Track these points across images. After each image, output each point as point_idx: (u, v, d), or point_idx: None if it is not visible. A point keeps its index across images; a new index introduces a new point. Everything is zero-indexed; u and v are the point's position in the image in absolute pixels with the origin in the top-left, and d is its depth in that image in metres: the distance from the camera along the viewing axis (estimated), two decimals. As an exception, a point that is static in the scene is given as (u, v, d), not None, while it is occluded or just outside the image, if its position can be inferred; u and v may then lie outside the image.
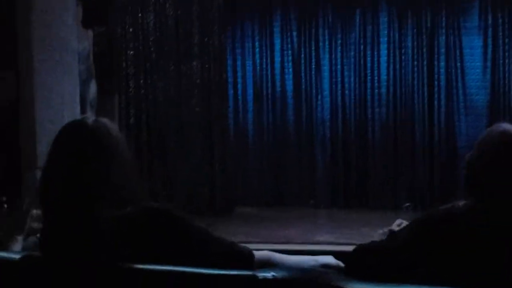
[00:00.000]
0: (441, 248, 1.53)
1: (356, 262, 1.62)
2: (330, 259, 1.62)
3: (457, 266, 1.51)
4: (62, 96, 6.67)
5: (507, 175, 1.57)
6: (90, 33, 7.20)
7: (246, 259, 1.53)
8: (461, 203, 1.59)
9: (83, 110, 6.94)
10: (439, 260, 1.54)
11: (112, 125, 1.55)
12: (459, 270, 1.51)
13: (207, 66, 6.88)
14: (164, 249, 1.44)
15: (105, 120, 1.55)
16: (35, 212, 2.40)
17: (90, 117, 1.55)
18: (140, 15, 6.72)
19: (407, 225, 1.67)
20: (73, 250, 1.44)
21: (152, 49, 6.75)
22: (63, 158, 1.49)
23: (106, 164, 1.47)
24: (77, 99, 6.88)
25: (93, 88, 7.17)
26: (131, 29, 6.72)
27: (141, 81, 6.72)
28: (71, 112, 6.63)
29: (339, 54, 7.27)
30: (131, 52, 6.72)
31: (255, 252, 1.58)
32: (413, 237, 1.58)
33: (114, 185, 1.47)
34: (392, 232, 1.75)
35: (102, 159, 1.47)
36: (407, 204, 6.94)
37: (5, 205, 5.03)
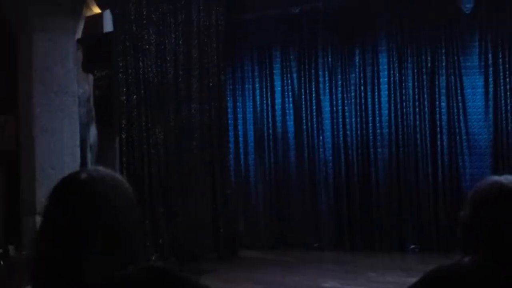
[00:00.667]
0: None
1: None
2: None
3: None
4: (62, 140, 6.64)
5: (506, 230, 1.56)
6: (90, 77, 7.22)
7: None
8: (466, 259, 1.58)
9: (83, 154, 6.90)
10: None
11: (113, 179, 1.47)
12: None
13: (207, 108, 6.87)
14: None
15: (102, 171, 1.46)
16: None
17: (84, 170, 1.47)
18: (140, 58, 6.73)
19: (413, 284, 1.63)
20: None
21: (152, 92, 6.74)
22: (55, 217, 1.42)
23: (101, 221, 1.40)
24: (78, 143, 6.85)
25: (93, 131, 7.15)
26: (131, 72, 6.72)
27: (142, 124, 6.69)
28: (72, 156, 6.58)
29: (339, 95, 7.28)
30: (132, 96, 6.70)
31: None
32: None
33: (110, 241, 1.40)
34: None
35: (95, 215, 1.40)
36: (413, 246, 6.83)
37: (1, 262, 4.95)
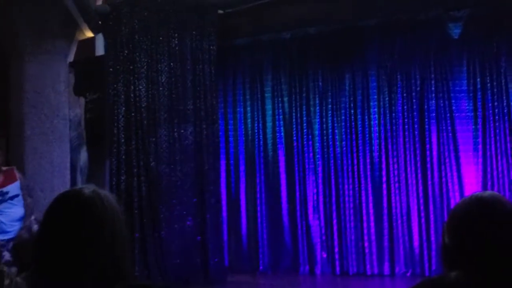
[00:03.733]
0: None
1: None
2: None
3: None
4: (52, 162, 6.63)
5: (486, 242, 1.59)
6: (82, 100, 7.25)
7: None
8: (452, 274, 1.59)
9: (73, 176, 6.88)
10: None
11: (110, 197, 1.49)
12: None
13: (199, 131, 6.88)
14: None
15: (104, 192, 1.49)
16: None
17: (89, 187, 1.49)
18: (132, 82, 6.77)
19: None
20: None
21: (144, 115, 6.76)
22: (55, 229, 1.42)
23: (99, 237, 1.40)
24: (68, 165, 6.84)
25: (83, 154, 7.15)
26: (123, 96, 6.75)
27: (133, 147, 6.69)
28: (62, 179, 6.57)
29: (330, 118, 7.32)
30: (123, 119, 6.72)
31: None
32: None
33: (103, 261, 1.40)
34: None
35: (95, 232, 1.40)
36: (404, 270, 6.79)
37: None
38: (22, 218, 5.43)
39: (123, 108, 6.72)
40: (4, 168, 5.63)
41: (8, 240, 5.31)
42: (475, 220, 1.63)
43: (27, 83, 6.74)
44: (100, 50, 7.27)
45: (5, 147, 6.73)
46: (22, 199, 5.51)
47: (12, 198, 5.47)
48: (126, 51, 6.81)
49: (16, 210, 5.47)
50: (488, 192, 1.71)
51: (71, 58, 7.09)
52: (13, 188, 5.53)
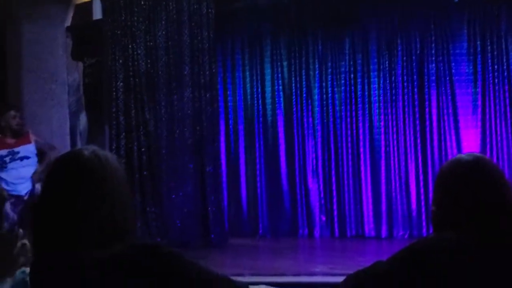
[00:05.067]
0: (427, 277, 1.54)
1: None
2: None
3: None
4: (51, 128, 6.64)
5: (468, 202, 1.61)
6: (80, 64, 7.21)
7: None
8: (448, 233, 1.62)
9: (73, 142, 6.90)
10: None
11: (110, 158, 1.49)
12: None
13: (198, 96, 6.86)
14: None
15: (104, 152, 1.49)
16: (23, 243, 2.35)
17: (89, 148, 1.49)
18: (130, 46, 6.72)
19: (392, 257, 1.66)
20: None
21: (142, 79, 6.73)
22: (55, 191, 1.43)
23: (99, 199, 1.41)
24: (67, 130, 6.85)
25: (83, 119, 7.15)
26: (121, 60, 6.71)
27: (132, 112, 6.69)
28: (62, 144, 6.57)
29: (329, 83, 7.29)
30: (122, 83, 6.69)
31: (252, 287, 1.52)
32: (399, 265, 1.60)
33: (105, 220, 1.41)
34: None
35: (95, 193, 1.41)
36: (402, 233, 6.87)
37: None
38: (29, 179, 5.51)
39: (122, 73, 6.68)
40: (24, 130, 5.72)
41: (14, 197, 5.41)
42: (458, 182, 1.65)
43: (24, 49, 6.69)
44: (97, 14, 7.19)
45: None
46: (34, 162, 5.58)
47: (22, 158, 5.54)
48: (123, 15, 6.74)
49: (23, 170, 5.54)
50: (472, 154, 1.72)
51: (68, 22, 7.03)
52: (25, 149, 5.60)
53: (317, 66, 7.36)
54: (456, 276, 1.53)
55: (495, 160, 6.68)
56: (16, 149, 5.56)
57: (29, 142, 5.67)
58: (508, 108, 6.74)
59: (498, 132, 6.75)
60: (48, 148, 5.70)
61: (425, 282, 1.54)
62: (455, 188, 1.64)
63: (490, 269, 1.54)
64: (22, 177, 5.51)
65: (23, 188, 5.50)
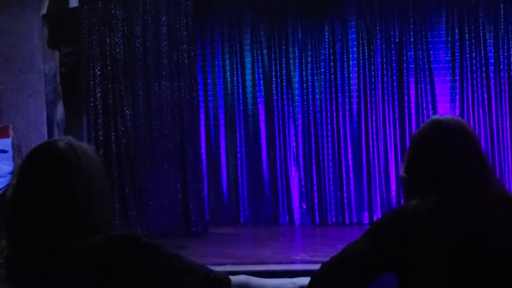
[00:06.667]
0: (401, 248, 1.49)
1: (321, 279, 1.56)
2: (307, 281, 1.57)
3: (420, 265, 1.48)
4: (28, 117, 6.53)
5: (445, 166, 1.54)
6: (56, 53, 7.08)
7: (224, 287, 1.46)
8: (412, 202, 1.55)
9: (50, 132, 6.79)
10: (401, 262, 1.50)
11: (86, 149, 1.46)
12: (422, 268, 1.48)
13: (177, 84, 6.80)
14: (137, 281, 1.35)
15: (79, 143, 1.46)
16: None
17: (64, 139, 1.46)
18: (107, 34, 6.63)
19: (364, 233, 1.60)
20: (37, 285, 1.35)
21: (120, 68, 6.65)
22: (31, 182, 1.40)
23: (74, 191, 1.38)
24: (44, 120, 6.74)
25: (60, 109, 7.03)
26: (98, 49, 6.61)
27: (110, 101, 6.61)
28: (38, 134, 6.48)
29: (309, 71, 7.29)
30: (99, 72, 6.60)
31: (232, 278, 1.51)
32: (372, 240, 1.54)
33: (84, 213, 1.39)
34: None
35: (70, 185, 1.38)
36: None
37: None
38: (7, 175, 5.37)
39: (99, 62, 6.59)
40: None
41: None
42: (434, 143, 1.57)
43: (-1, 38, 6.55)
44: (73, 2, 7.06)
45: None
46: (11, 157, 5.43)
47: None
48: (100, 3, 6.64)
49: (1, 165, 5.40)
50: (449, 116, 1.65)
51: (44, 10, 6.89)
52: (2, 143, 5.45)
53: (297, 54, 7.35)
54: (442, 237, 1.47)
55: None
56: None
57: (7, 136, 5.53)
58: (485, 95, 6.83)
59: (476, 120, 6.84)
60: (17, 156, 5.47)
61: (411, 248, 1.48)
62: (434, 148, 1.56)
63: (474, 227, 1.48)
64: (1, 174, 5.37)
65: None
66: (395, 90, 7.02)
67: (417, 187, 1.59)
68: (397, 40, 7.03)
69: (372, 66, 7.09)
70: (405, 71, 7.00)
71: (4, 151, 5.44)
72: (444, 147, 1.57)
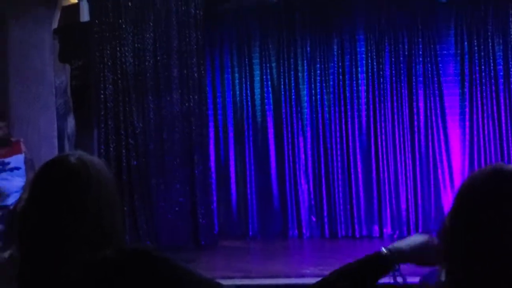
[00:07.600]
0: None
1: None
2: None
3: None
4: (39, 130, 6.58)
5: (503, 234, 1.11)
6: (67, 67, 7.15)
7: None
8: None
9: (61, 145, 6.84)
10: None
11: (97, 163, 1.48)
12: None
13: (186, 97, 6.84)
14: None
15: (90, 158, 1.48)
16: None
17: (75, 153, 1.48)
18: (118, 48, 6.68)
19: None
20: None
21: (130, 82, 6.70)
22: (42, 196, 1.41)
23: (85, 205, 1.39)
24: (55, 133, 6.79)
25: (71, 122, 7.09)
26: (109, 63, 6.67)
27: (120, 115, 6.65)
28: (49, 146, 6.53)
29: (318, 84, 7.30)
30: (110, 86, 6.65)
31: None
32: None
33: (94, 226, 1.40)
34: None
35: (80, 199, 1.40)
36: (391, 232, 6.90)
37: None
38: (19, 190, 5.38)
39: (110, 75, 6.65)
40: (11, 140, 5.57)
41: (2, 209, 5.30)
42: (497, 200, 1.13)
43: (11, 51, 6.63)
44: (85, 16, 7.14)
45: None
46: (24, 173, 5.44)
47: (12, 169, 5.40)
48: (111, 17, 6.70)
49: (14, 182, 5.41)
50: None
51: (55, 24, 6.97)
52: (15, 160, 5.46)
53: (305, 67, 7.37)
54: None
55: (482, 160, 6.73)
56: (6, 160, 5.43)
57: (20, 152, 5.54)
58: (495, 108, 6.80)
59: (486, 132, 6.81)
60: (30, 169, 5.44)
61: None
62: (489, 208, 1.12)
63: None
64: (15, 190, 5.38)
65: (11, 199, 5.39)
66: (404, 103, 7.01)
67: (457, 253, 1.18)
68: (406, 53, 7.04)
69: (381, 79, 7.09)
70: (414, 83, 7.00)
71: (17, 168, 5.45)
72: (503, 204, 1.14)
